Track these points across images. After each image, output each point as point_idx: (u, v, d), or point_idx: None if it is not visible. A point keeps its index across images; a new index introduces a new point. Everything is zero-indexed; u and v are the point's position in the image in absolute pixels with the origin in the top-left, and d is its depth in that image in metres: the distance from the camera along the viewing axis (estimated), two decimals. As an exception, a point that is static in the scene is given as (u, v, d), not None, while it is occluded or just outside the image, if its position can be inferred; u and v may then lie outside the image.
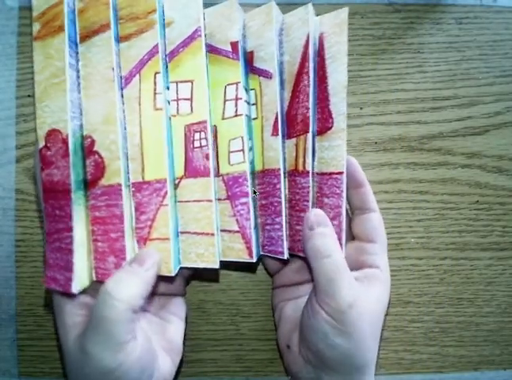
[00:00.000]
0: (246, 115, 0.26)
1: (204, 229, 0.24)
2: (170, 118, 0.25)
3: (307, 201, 0.26)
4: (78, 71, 0.23)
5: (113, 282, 0.21)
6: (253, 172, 0.26)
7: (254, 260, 0.25)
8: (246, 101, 0.26)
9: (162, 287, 0.27)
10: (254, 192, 0.26)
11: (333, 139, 0.26)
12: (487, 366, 0.34)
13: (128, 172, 0.24)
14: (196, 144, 0.25)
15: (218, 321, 0.33)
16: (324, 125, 0.26)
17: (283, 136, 0.27)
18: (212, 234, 0.24)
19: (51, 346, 0.33)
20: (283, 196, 0.26)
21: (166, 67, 0.25)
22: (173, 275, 0.23)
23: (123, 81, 0.24)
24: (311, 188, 0.26)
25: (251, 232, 0.25)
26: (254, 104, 0.27)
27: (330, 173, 0.26)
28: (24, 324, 0.33)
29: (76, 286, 0.21)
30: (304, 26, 0.26)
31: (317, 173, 0.26)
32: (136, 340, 0.21)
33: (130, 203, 0.24)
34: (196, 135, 0.25)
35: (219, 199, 0.25)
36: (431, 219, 0.33)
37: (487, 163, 0.33)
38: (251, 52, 0.27)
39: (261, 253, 0.27)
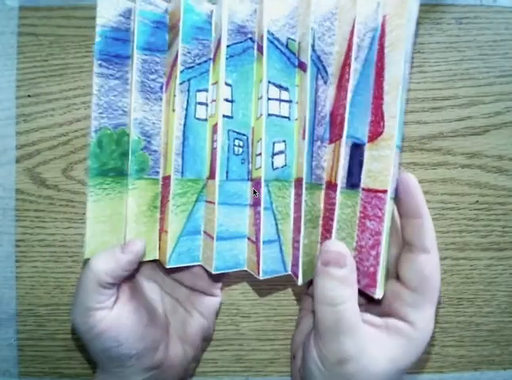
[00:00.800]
0: (275, 114, 0.24)
1: (210, 231, 0.25)
2: (206, 119, 0.26)
3: (333, 220, 0.23)
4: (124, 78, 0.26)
5: (95, 257, 0.24)
6: (288, 180, 0.25)
7: (261, 277, 0.24)
8: (276, 99, 0.24)
9: (187, 280, 0.29)
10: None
11: (382, 148, 0.21)
12: (487, 366, 0.34)
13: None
14: (214, 145, 0.25)
15: (218, 320, 0.33)
16: (376, 130, 0.22)
17: (321, 140, 0.24)
18: (213, 238, 0.24)
19: (51, 346, 0.33)
20: (302, 211, 0.23)
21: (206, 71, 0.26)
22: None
23: (163, 86, 0.26)
24: (337, 206, 0.23)
25: (260, 246, 0.24)
26: (297, 103, 0.25)
27: (376, 191, 0.21)
28: (24, 324, 0.33)
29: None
30: (353, 8, 0.23)
31: (363, 189, 0.22)
32: (111, 310, 0.24)
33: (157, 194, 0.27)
34: (215, 136, 0.25)
35: (250, 205, 0.25)
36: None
37: (487, 163, 0.33)
38: (299, 43, 0.25)
39: (286, 273, 0.25)
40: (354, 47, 0.22)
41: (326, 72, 0.24)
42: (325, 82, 0.24)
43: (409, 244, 0.22)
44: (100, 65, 0.25)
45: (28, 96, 0.32)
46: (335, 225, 0.23)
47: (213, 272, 0.24)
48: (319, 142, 0.24)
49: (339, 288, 0.21)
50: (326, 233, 0.23)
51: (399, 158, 0.22)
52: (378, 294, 0.21)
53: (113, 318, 0.24)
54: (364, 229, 0.22)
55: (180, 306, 0.29)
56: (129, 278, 0.26)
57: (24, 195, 0.32)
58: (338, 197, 0.23)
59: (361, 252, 0.22)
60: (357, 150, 0.23)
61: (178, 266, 0.25)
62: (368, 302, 0.24)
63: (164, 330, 0.27)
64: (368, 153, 0.22)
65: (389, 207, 0.21)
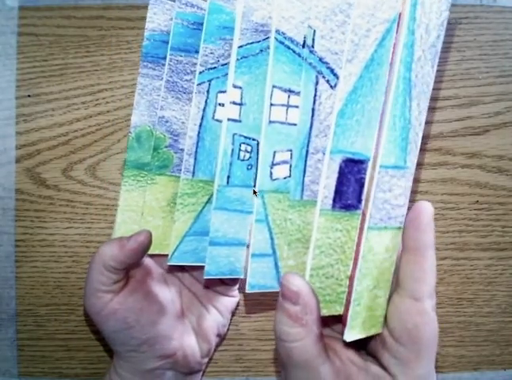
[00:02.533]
0: (279, 122, 0.22)
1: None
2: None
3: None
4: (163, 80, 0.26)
5: (105, 243, 0.25)
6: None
7: (247, 290, 0.23)
8: (283, 105, 0.22)
9: (201, 278, 0.29)
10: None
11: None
12: (487, 366, 0.34)
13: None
14: None
15: (218, 321, 0.33)
16: None
17: (323, 153, 0.22)
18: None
19: (51, 346, 0.33)
20: (286, 229, 0.21)
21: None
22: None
23: None
24: (315, 230, 0.20)
25: (249, 258, 0.22)
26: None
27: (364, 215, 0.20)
28: (24, 324, 0.33)
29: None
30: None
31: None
32: (117, 294, 0.25)
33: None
34: None
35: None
36: (431, 219, 0.33)
37: (487, 163, 0.33)
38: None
39: (275, 290, 0.23)
40: (348, 47, 0.20)
41: (334, 75, 0.21)
42: (332, 86, 0.21)
43: (399, 285, 0.20)
44: (145, 66, 0.27)
45: (28, 96, 0.32)
46: (311, 250, 0.20)
47: (204, 277, 0.24)
48: (319, 155, 0.22)
49: (290, 325, 0.19)
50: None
51: (405, 182, 0.19)
52: (346, 336, 0.19)
53: (119, 302, 0.25)
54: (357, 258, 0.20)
55: (197, 301, 0.30)
56: (142, 267, 0.28)
57: (24, 195, 0.32)
58: (317, 219, 0.20)
59: (351, 283, 0.20)
60: (352, 166, 0.20)
61: (180, 264, 0.26)
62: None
63: (179, 321, 0.28)
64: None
65: (371, 237, 0.19)
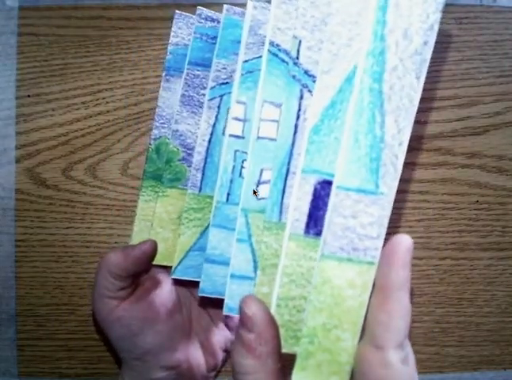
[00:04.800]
0: (268, 138, 0.21)
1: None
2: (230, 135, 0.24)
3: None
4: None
5: (111, 250, 0.26)
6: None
7: (224, 312, 0.22)
8: (273, 121, 0.21)
9: None
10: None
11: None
12: (487, 366, 0.34)
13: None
14: None
15: (218, 321, 0.33)
16: None
17: (287, 172, 0.20)
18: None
19: (51, 346, 0.33)
20: (261, 253, 0.20)
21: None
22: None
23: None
24: (283, 256, 0.18)
25: (228, 279, 0.22)
26: None
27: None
28: (24, 324, 0.33)
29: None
30: None
31: None
32: (122, 301, 0.26)
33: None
34: None
35: None
36: (431, 219, 0.33)
37: (487, 163, 0.33)
38: None
39: None
40: (324, 57, 0.18)
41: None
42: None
43: (364, 329, 0.17)
44: (167, 80, 0.27)
45: (28, 96, 0.32)
46: (279, 277, 0.18)
47: (199, 294, 0.24)
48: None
49: (243, 356, 0.17)
50: None
51: (378, 210, 0.17)
52: (294, 376, 0.17)
53: (124, 308, 0.26)
54: None
55: (207, 315, 0.30)
56: (153, 277, 0.28)
57: (24, 195, 0.32)
58: (286, 243, 0.18)
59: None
60: (328, 189, 0.18)
61: (183, 278, 0.26)
62: None
63: (186, 333, 0.28)
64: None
65: (327, 268, 0.17)
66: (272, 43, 0.21)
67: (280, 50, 0.21)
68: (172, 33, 0.27)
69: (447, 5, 0.33)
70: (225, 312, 0.22)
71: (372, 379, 0.16)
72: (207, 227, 0.25)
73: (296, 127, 0.20)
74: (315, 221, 0.18)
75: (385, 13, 0.17)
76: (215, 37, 0.26)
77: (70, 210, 0.32)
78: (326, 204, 0.18)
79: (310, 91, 0.20)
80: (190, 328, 0.29)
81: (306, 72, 0.19)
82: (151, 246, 0.26)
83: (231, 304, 0.22)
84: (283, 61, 0.21)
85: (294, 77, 0.19)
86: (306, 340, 0.17)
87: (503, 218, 0.33)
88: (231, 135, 0.23)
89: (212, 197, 0.25)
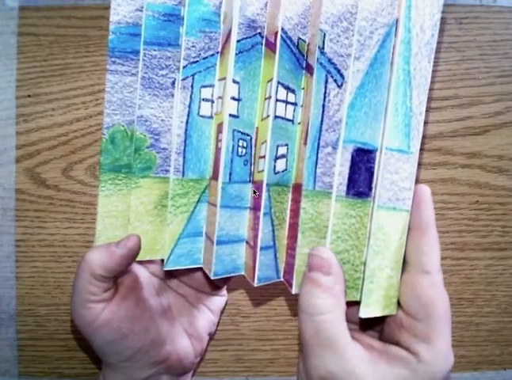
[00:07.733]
0: (281, 117, 0.23)
1: (211, 234, 0.24)
2: (211, 116, 0.25)
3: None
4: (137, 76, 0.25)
5: (91, 250, 0.24)
6: (287, 185, 0.24)
7: (255, 284, 0.23)
8: (283, 101, 0.23)
9: (191, 284, 0.29)
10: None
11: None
12: (487, 366, 0.34)
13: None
14: (219, 145, 0.24)
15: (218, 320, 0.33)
16: None
17: (333, 146, 0.23)
18: (213, 242, 0.24)
19: (51, 346, 0.33)
20: (300, 218, 0.22)
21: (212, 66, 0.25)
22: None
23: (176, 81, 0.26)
24: (331, 215, 0.22)
25: (257, 252, 0.23)
26: (302, 106, 0.24)
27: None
28: (24, 324, 0.33)
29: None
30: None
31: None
32: (109, 303, 0.24)
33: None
34: (220, 136, 0.24)
35: (250, 208, 0.24)
36: (431, 219, 0.33)
37: (487, 163, 0.33)
38: (308, 45, 0.24)
39: (278, 280, 0.24)
40: (355, 46, 0.22)
41: (341, 75, 0.22)
42: (339, 85, 0.22)
43: (408, 263, 0.21)
44: (113, 62, 0.25)
45: (28, 96, 0.32)
46: (329, 235, 0.22)
47: (212, 278, 0.24)
48: (329, 149, 0.22)
49: (320, 296, 0.19)
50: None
51: (410, 166, 0.21)
52: (361, 313, 0.21)
53: (112, 310, 0.24)
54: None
55: (187, 302, 0.29)
56: (130, 272, 0.26)
57: (24, 195, 0.32)
58: (334, 205, 0.22)
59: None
60: (362, 156, 0.22)
61: (178, 268, 0.25)
62: (373, 327, 0.24)
63: (171, 324, 0.27)
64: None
65: (380, 216, 0.21)
66: (283, 29, 0.22)
67: (287, 36, 0.23)
68: (112, 10, 0.25)
69: (447, 5, 0.33)
70: (256, 284, 0.23)
71: (425, 300, 0.20)
72: (193, 211, 0.25)
73: (323, 107, 0.22)
74: (353, 183, 0.22)
75: (410, 11, 0.21)
76: (166, 14, 0.25)
77: (70, 210, 0.32)
78: (360, 169, 0.22)
79: (332, 77, 0.22)
80: (173, 318, 0.28)
81: (329, 60, 0.22)
82: (137, 242, 0.24)
83: (261, 275, 0.23)
84: (288, 47, 0.23)
85: (321, 64, 0.22)
86: (368, 280, 0.21)
87: (503, 218, 0.33)
88: (230, 115, 0.23)
89: (194, 180, 0.25)
